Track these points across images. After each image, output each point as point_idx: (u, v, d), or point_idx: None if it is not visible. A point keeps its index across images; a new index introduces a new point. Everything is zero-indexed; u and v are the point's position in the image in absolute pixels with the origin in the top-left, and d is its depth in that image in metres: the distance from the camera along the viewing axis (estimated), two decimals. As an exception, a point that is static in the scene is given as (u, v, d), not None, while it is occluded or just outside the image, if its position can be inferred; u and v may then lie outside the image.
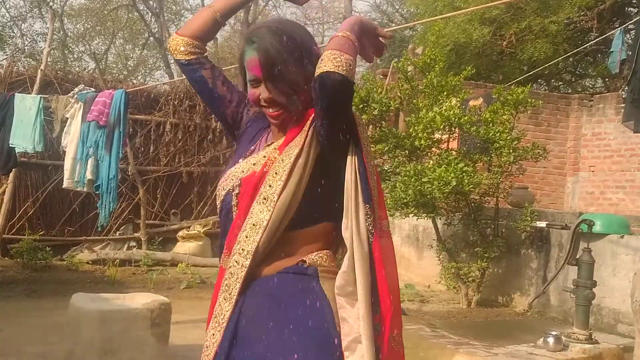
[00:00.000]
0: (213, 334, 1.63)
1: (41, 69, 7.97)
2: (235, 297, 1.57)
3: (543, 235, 6.95)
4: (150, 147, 9.49)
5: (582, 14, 11.28)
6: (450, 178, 6.04)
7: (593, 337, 4.86)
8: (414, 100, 6.99)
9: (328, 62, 1.45)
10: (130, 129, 8.87)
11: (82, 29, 21.93)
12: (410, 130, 6.60)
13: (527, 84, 7.37)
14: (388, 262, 1.54)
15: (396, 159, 6.82)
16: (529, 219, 6.86)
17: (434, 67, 6.75)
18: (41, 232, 8.52)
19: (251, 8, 20.45)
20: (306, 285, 1.55)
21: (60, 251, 8.67)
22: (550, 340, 4.59)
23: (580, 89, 14.12)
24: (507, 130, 6.57)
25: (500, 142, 6.46)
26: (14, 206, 8.49)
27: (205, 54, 1.78)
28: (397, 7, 20.38)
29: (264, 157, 1.63)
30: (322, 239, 1.60)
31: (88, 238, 9.04)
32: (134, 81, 16.85)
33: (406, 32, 15.86)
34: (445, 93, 6.67)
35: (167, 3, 21.25)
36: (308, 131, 1.58)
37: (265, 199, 1.55)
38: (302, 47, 1.60)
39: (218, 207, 1.69)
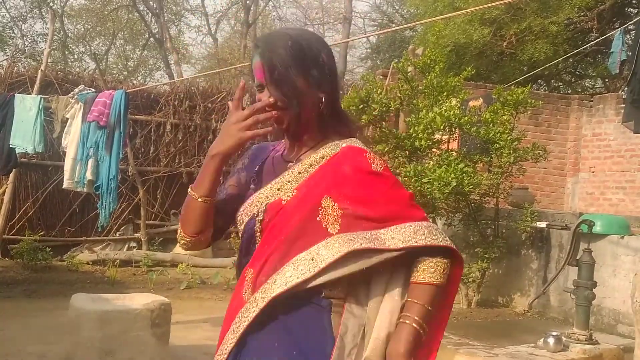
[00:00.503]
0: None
1: (41, 70, 7.97)
2: (241, 332, 1.55)
3: (543, 235, 6.96)
4: (151, 148, 9.49)
5: (582, 14, 11.28)
6: (450, 178, 6.04)
7: (593, 338, 4.86)
8: (414, 101, 7.00)
9: None
10: (131, 130, 8.87)
11: (83, 29, 21.95)
12: (411, 131, 6.60)
13: (527, 85, 7.37)
14: None
15: (396, 160, 6.82)
16: (529, 219, 6.86)
17: (434, 67, 6.75)
18: (41, 233, 8.52)
19: (251, 9, 20.47)
20: (317, 318, 1.54)
21: (60, 252, 8.67)
22: (551, 340, 4.59)
23: (580, 90, 14.11)
24: (507, 131, 6.57)
25: (501, 142, 6.47)
26: (14, 207, 8.49)
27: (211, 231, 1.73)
28: (397, 7, 20.39)
29: (288, 182, 1.61)
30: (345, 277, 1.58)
31: (88, 238, 9.04)
32: (134, 82, 16.85)
33: (406, 33, 15.87)
34: (445, 93, 6.67)
35: (168, 3, 21.24)
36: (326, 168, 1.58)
37: (312, 260, 1.51)
38: (308, 52, 1.59)
39: (240, 230, 1.66)
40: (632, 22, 8.24)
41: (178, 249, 9.17)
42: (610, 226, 6.24)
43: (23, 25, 20.58)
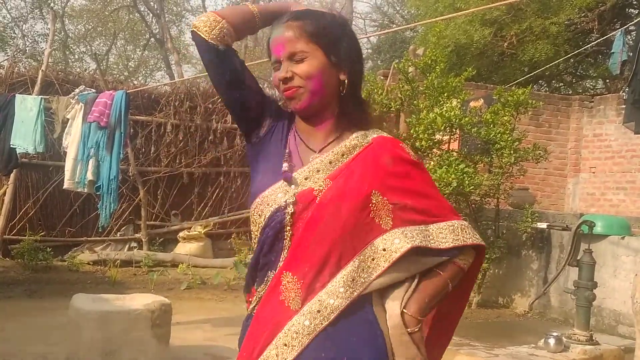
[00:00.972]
0: None
1: (42, 70, 7.98)
2: (303, 346, 1.39)
3: (544, 236, 6.95)
4: (151, 148, 9.49)
5: (582, 15, 11.28)
6: (451, 179, 6.04)
7: (594, 338, 4.86)
8: (415, 102, 6.99)
9: None
10: (131, 130, 8.88)
11: (83, 29, 21.97)
12: (411, 131, 6.59)
13: (528, 85, 7.37)
14: None
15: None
16: (530, 220, 6.86)
17: (435, 68, 6.75)
18: (42, 233, 8.52)
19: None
20: (362, 313, 1.45)
21: (61, 252, 8.67)
22: (551, 341, 4.59)
23: (581, 90, 14.11)
24: (507, 132, 6.57)
25: (501, 143, 6.47)
26: (15, 207, 8.49)
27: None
28: (397, 8, 20.40)
29: (318, 171, 1.51)
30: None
31: (89, 239, 9.04)
32: (135, 82, 16.87)
33: (407, 33, 15.87)
34: (446, 94, 6.67)
35: (168, 4, 21.26)
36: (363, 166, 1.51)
37: (373, 259, 1.44)
38: (332, 29, 1.53)
39: (259, 224, 1.50)
40: (632, 22, 8.23)
41: (179, 250, 9.18)
42: (611, 227, 6.24)
43: (24, 25, 20.63)
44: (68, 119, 6.07)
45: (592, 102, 10.10)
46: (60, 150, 6.34)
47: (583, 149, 9.98)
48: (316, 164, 1.51)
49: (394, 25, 17.37)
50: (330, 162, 1.51)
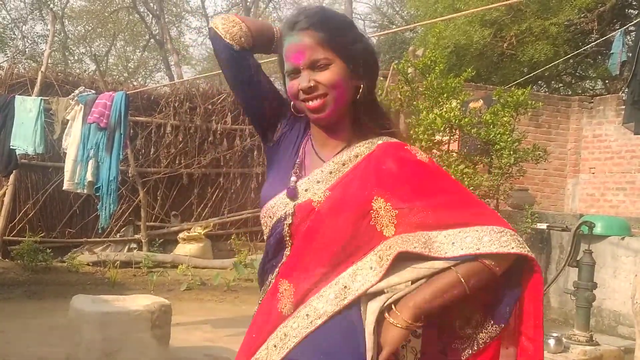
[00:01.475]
0: None
1: (42, 71, 7.97)
2: (289, 349, 1.42)
3: (544, 237, 6.95)
4: (151, 149, 9.48)
5: (582, 15, 11.29)
6: (450, 180, 6.03)
7: (594, 339, 4.86)
8: (415, 102, 6.99)
9: None
10: (131, 131, 8.87)
11: (83, 30, 21.96)
12: (411, 132, 6.59)
13: (528, 86, 7.37)
14: None
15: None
16: (530, 220, 6.86)
17: (434, 69, 6.75)
18: (42, 234, 8.51)
19: (251, 10, 20.49)
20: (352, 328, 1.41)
21: (60, 253, 8.66)
22: (551, 342, 4.59)
23: (580, 91, 14.12)
24: (507, 132, 6.57)
25: (501, 143, 6.47)
26: (15, 208, 8.49)
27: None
28: (397, 9, 20.41)
29: (318, 182, 1.48)
30: None
31: (88, 240, 9.03)
32: (135, 83, 16.84)
33: (406, 34, 15.88)
34: (445, 95, 6.67)
35: (168, 5, 21.27)
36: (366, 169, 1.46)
37: (371, 268, 1.40)
38: (349, 34, 1.48)
39: (266, 233, 1.53)
40: (632, 23, 8.24)
41: (178, 250, 9.18)
42: (611, 227, 6.24)
43: (23, 26, 20.62)
44: (68, 120, 6.08)
45: (592, 102, 10.11)
46: (60, 152, 6.34)
47: (583, 149, 9.99)
48: (316, 174, 1.49)
49: (394, 26, 17.38)
50: (330, 173, 1.49)
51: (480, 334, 1.44)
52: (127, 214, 9.28)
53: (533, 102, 6.81)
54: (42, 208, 8.83)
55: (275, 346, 1.43)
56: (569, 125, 10.06)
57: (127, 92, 6.24)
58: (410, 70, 7.11)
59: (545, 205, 9.60)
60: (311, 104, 1.46)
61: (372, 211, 1.41)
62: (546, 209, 9.13)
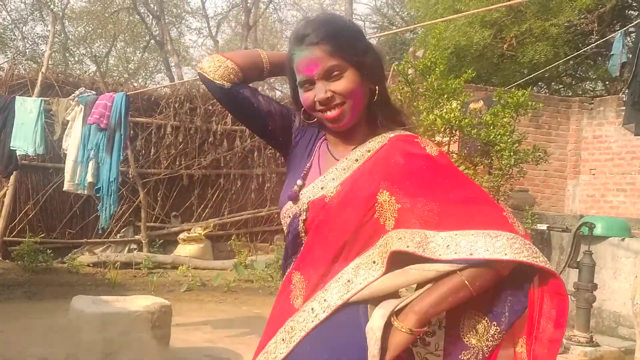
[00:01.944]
0: None
1: (42, 72, 7.98)
2: (295, 343, 1.43)
3: (544, 238, 6.95)
4: (151, 150, 9.49)
5: (582, 17, 11.30)
6: (450, 181, 6.03)
7: (594, 340, 4.87)
8: (415, 103, 6.99)
9: None
10: (131, 132, 8.88)
11: (83, 31, 21.95)
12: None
13: (528, 87, 7.37)
14: None
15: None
16: (530, 221, 6.86)
17: (435, 70, 6.75)
18: (42, 235, 8.51)
19: (252, 11, 20.49)
20: (358, 325, 1.41)
21: (61, 254, 8.67)
22: (551, 343, 4.58)
23: (580, 92, 14.13)
24: (507, 133, 6.57)
25: (501, 144, 6.47)
26: (15, 209, 8.49)
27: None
28: (397, 10, 20.41)
29: (333, 179, 1.50)
30: None
31: (89, 240, 9.04)
32: (135, 84, 16.86)
33: (407, 35, 15.89)
34: (445, 96, 6.67)
35: (168, 6, 21.26)
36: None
37: (374, 262, 1.41)
38: (357, 47, 1.50)
39: (285, 232, 1.58)
40: (632, 24, 8.24)
41: (179, 251, 9.18)
42: (611, 228, 6.23)
43: (24, 27, 20.62)
44: (68, 121, 6.08)
45: (592, 103, 10.11)
46: (60, 152, 6.33)
47: (583, 150, 9.99)
48: (331, 172, 1.52)
49: (394, 27, 17.39)
50: (344, 169, 1.51)
51: (487, 342, 1.43)
52: (127, 214, 9.28)
53: (533, 103, 6.81)
54: (43, 209, 8.84)
55: (283, 340, 1.45)
56: (569, 127, 10.06)
57: (128, 93, 6.24)
58: (410, 71, 7.12)
59: (545, 206, 9.60)
60: (329, 114, 1.48)
61: (376, 204, 1.43)
62: (546, 210, 9.13)
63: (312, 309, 1.43)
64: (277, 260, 8.28)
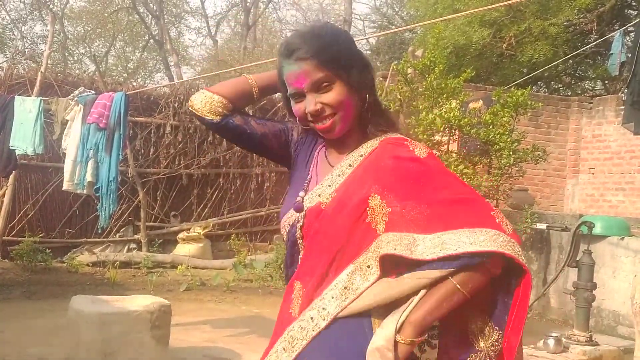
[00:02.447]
0: None
1: (41, 72, 7.97)
2: (297, 352, 1.43)
3: (543, 237, 6.96)
4: (150, 149, 9.48)
5: (581, 16, 11.30)
6: (450, 180, 6.03)
7: (593, 339, 4.86)
8: (414, 103, 6.99)
9: None
10: (130, 131, 8.87)
11: (83, 31, 21.94)
12: (410, 133, 6.60)
13: (527, 86, 7.38)
14: None
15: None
16: (529, 221, 6.86)
17: (434, 69, 6.75)
18: (41, 234, 8.51)
19: (251, 11, 20.50)
20: (362, 334, 1.41)
21: (60, 253, 8.66)
22: (551, 342, 4.59)
23: (580, 91, 14.13)
24: (507, 133, 6.57)
25: (500, 144, 6.47)
26: (14, 208, 8.48)
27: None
28: (397, 9, 20.41)
29: (329, 186, 1.52)
30: None
31: (88, 240, 9.03)
32: (134, 83, 16.83)
33: (406, 35, 15.89)
34: (445, 95, 6.67)
35: (167, 6, 21.27)
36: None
37: (369, 266, 1.41)
38: (345, 50, 1.51)
39: (286, 242, 1.60)
40: (631, 24, 8.25)
41: (178, 251, 9.18)
42: (610, 228, 6.24)
43: (23, 27, 20.63)
44: (67, 121, 6.07)
45: (591, 103, 10.11)
46: (60, 152, 6.33)
47: (582, 150, 9.99)
48: (327, 179, 1.54)
49: (393, 27, 17.38)
50: (338, 175, 1.53)
51: (492, 346, 1.45)
52: (126, 214, 9.27)
53: (532, 102, 6.82)
54: (42, 208, 8.83)
55: (284, 349, 1.46)
56: (569, 126, 10.07)
57: (127, 93, 6.24)
58: (409, 70, 7.12)
59: (544, 206, 9.61)
60: (320, 125, 1.50)
61: (368, 208, 1.43)
62: (546, 209, 9.14)
63: (312, 318, 1.43)
64: (277, 260, 8.29)
